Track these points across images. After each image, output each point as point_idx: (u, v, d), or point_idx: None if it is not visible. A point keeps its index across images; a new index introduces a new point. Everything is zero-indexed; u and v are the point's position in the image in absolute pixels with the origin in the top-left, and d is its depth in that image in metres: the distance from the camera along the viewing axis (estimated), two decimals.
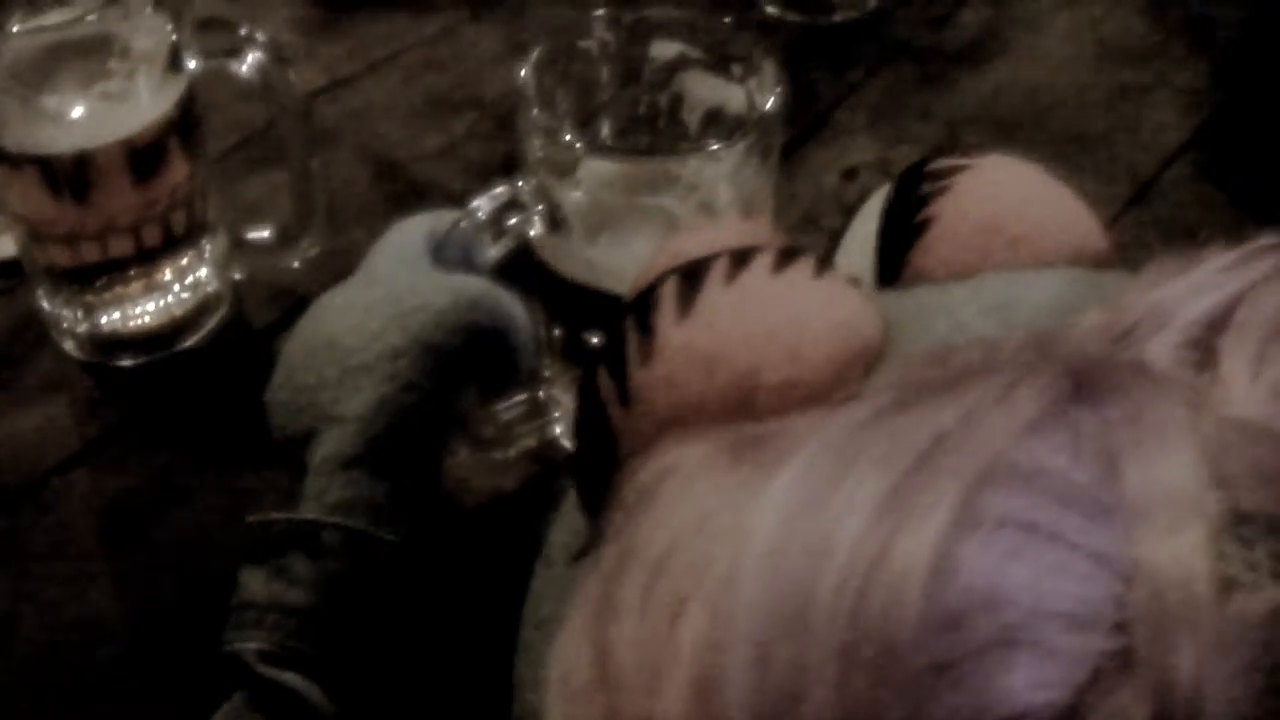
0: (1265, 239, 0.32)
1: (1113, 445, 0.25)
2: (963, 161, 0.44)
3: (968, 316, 0.36)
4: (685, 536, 0.29)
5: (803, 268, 0.37)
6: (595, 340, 0.39)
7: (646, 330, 0.36)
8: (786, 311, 0.35)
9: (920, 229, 0.42)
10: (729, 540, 0.27)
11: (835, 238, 0.49)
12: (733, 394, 0.34)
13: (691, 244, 0.41)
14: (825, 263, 0.38)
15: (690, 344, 0.35)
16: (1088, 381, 0.27)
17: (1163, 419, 0.26)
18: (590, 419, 0.38)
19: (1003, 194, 0.42)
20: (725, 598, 0.26)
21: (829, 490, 0.26)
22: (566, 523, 0.43)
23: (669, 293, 0.36)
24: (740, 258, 0.37)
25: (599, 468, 0.37)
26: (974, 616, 0.24)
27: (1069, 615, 0.23)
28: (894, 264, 0.43)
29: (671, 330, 0.36)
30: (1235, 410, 0.26)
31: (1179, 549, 0.23)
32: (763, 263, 0.37)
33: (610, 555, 0.30)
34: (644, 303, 0.37)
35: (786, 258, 0.37)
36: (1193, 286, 0.30)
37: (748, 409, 0.34)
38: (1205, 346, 0.28)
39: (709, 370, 0.35)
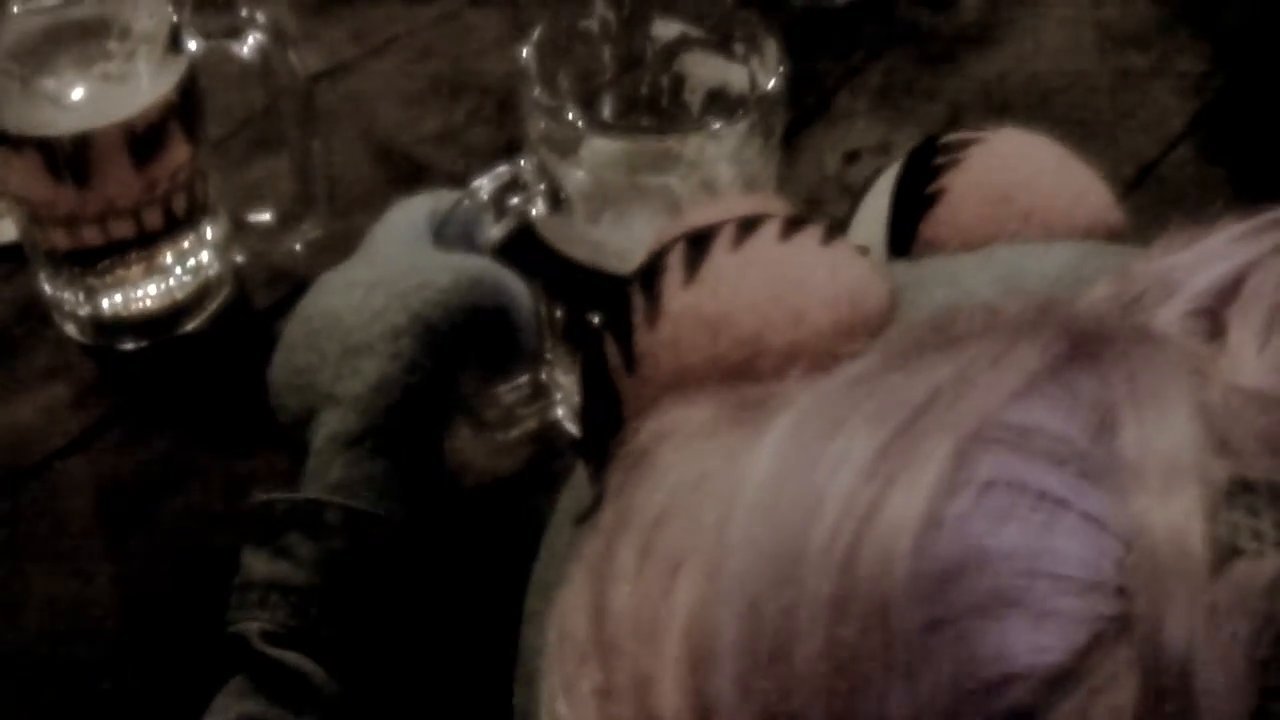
0: (1276, 211, 0.32)
1: (1110, 406, 0.25)
2: (976, 134, 0.43)
3: (974, 285, 0.36)
4: (682, 498, 0.29)
5: (810, 235, 0.36)
6: (601, 310, 0.39)
7: (652, 294, 0.36)
8: (792, 277, 0.35)
9: (931, 200, 0.42)
10: (722, 497, 0.27)
11: (848, 213, 0.49)
12: (736, 358, 0.34)
13: (703, 215, 0.41)
14: (834, 231, 0.38)
15: (695, 308, 0.35)
16: (1087, 343, 0.26)
17: (1162, 381, 0.25)
18: (595, 384, 0.38)
19: (1016, 166, 0.42)
20: (716, 552, 0.26)
21: (821, 445, 0.26)
22: (574, 493, 0.43)
23: (675, 258, 0.36)
24: (748, 225, 0.37)
25: (604, 432, 0.37)
26: (966, 575, 0.23)
27: (1066, 577, 0.23)
28: (905, 235, 0.43)
29: (677, 294, 0.35)
30: (1243, 380, 0.26)
31: (1173, 512, 0.23)
32: (770, 230, 0.36)
33: (608, 517, 0.30)
34: (651, 268, 0.37)
35: (794, 225, 0.37)
36: (1202, 256, 0.30)
37: (751, 373, 0.34)
38: (1213, 316, 0.28)
39: (713, 334, 0.34)
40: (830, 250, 0.36)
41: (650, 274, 0.36)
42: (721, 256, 0.36)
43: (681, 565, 0.27)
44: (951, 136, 0.44)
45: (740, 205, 0.41)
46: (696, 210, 0.40)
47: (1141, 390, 0.25)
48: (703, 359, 0.34)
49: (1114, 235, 0.41)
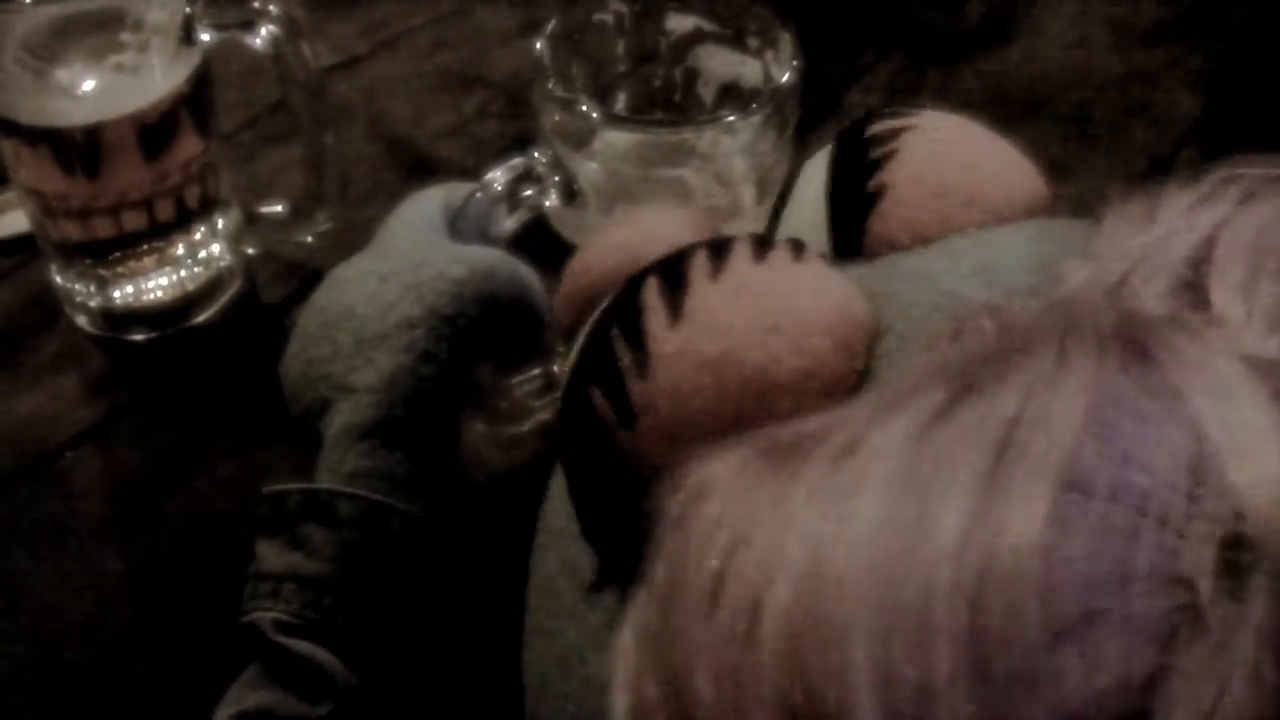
0: (1221, 170, 0.32)
1: (1184, 402, 0.25)
2: (903, 122, 0.43)
3: (953, 283, 0.36)
4: (742, 548, 0.27)
5: (782, 253, 0.36)
6: (578, 365, 0.37)
7: (638, 339, 0.34)
8: (782, 301, 0.34)
9: (875, 196, 0.42)
10: (809, 546, 0.26)
11: (774, 210, 0.48)
12: (746, 395, 0.33)
13: (626, 236, 0.41)
14: (798, 245, 0.37)
15: (690, 349, 0.34)
16: (1132, 344, 0.27)
17: (1222, 371, 0.26)
18: (588, 444, 0.36)
19: (951, 153, 0.42)
20: (825, 624, 0.25)
21: (922, 496, 0.25)
22: (558, 494, 0.43)
23: (653, 295, 0.35)
24: (717, 249, 0.35)
25: (605, 494, 0.35)
26: (1080, 596, 0.24)
27: (1147, 578, 0.24)
28: (850, 233, 0.42)
29: (666, 336, 0.34)
30: (1251, 349, 0.27)
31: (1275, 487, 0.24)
32: (743, 252, 0.35)
33: (660, 585, 0.29)
34: (626, 309, 0.35)
35: (763, 244, 0.36)
36: (1171, 231, 0.30)
37: (763, 408, 0.33)
38: (1194, 286, 0.29)
39: (716, 376, 0.33)
40: (808, 267, 0.35)
41: (627, 316, 0.35)
42: (704, 288, 0.34)
43: (761, 608, 0.26)
44: (880, 125, 0.43)
45: (667, 222, 0.40)
46: (619, 232, 0.40)
47: (1209, 382, 0.26)
48: (709, 402, 0.33)
49: (1047, 209, 0.41)
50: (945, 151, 0.42)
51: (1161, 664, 0.23)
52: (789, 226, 0.45)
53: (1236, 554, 0.24)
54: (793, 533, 0.26)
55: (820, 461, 0.27)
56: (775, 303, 0.34)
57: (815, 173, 0.44)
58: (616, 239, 0.43)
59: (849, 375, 0.34)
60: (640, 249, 0.41)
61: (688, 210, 0.44)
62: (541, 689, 0.41)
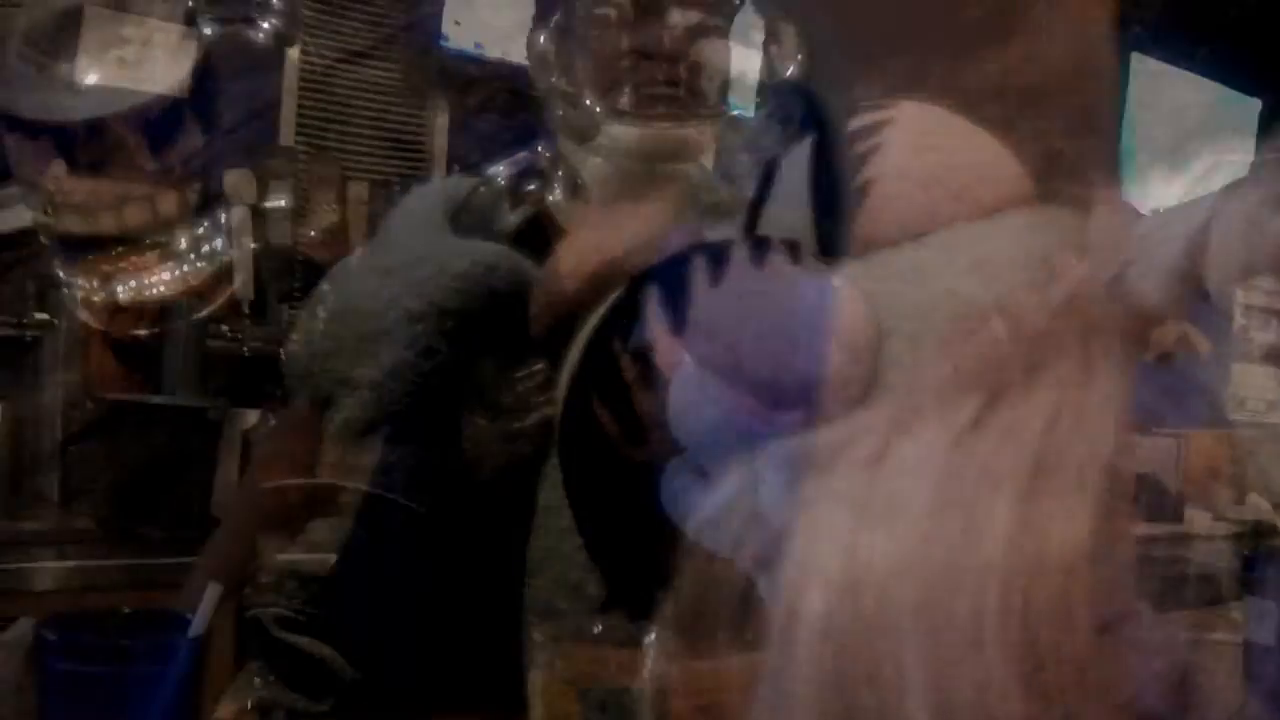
0: (1205, 157, 0.32)
1: (1213, 403, 0.26)
2: (882, 116, 0.43)
3: (951, 280, 0.36)
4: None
5: (779, 256, 0.36)
6: (582, 381, 0.36)
7: (645, 353, 0.35)
8: (787, 307, 0.34)
9: (861, 192, 0.41)
10: (845, 554, 0.26)
11: (756, 202, 0.47)
12: (755, 404, 0.33)
13: (602, 238, 0.40)
14: (795, 246, 0.37)
15: (698, 360, 0.34)
16: (1151, 342, 0.27)
17: (1242, 366, 0.26)
18: (593, 460, 0.36)
19: (934, 145, 0.42)
20: (873, 619, 0.25)
21: (966, 505, 0.26)
22: (553, 483, 0.43)
23: (654, 305, 0.35)
24: (714, 255, 0.35)
25: (612, 510, 0.35)
26: (1122, 595, 0.25)
27: (1182, 574, 0.24)
28: (836, 229, 0.42)
29: (672, 347, 0.34)
30: (1254, 338, 0.27)
31: None
32: (741, 258, 0.35)
33: (687, 599, 0.29)
34: (627, 320, 0.35)
35: (759, 248, 0.36)
36: (1163, 222, 0.31)
37: (772, 416, 0.33)
38: (1191, 278, 0.29)
39: (725, 385, 0.33)
40: (806, 270, 0.35)
41: (629, 328, 0.35)
42: (706, 297, 0.34)
43: (796, 638, 0.26)
44: (860, 121, 0.43)
45: (631, 222, 0.40)
46: (594, 235, 0.40)
47: (1230, 378, 0.26)
48: (718, 412, 0.33)
49: (1029, 198, 0.41)
50: (929, 145, 0.41)
51: (1194, 659, 0.24)
52: (771, 222, 0.45)
53: (1268, 548, 0.24)
54: (825, 541, 0.26)
55: (848, 471, 0.27)
56: (780, 309, 0.34)
57: (795, 168, 0.44)
58: (592, 241, 0.43)
59: (855, 379, 0.34)
60: (620, 251, 0.41)
61: (659, 207, 0.44)
62: (549, 715, 0.41)
